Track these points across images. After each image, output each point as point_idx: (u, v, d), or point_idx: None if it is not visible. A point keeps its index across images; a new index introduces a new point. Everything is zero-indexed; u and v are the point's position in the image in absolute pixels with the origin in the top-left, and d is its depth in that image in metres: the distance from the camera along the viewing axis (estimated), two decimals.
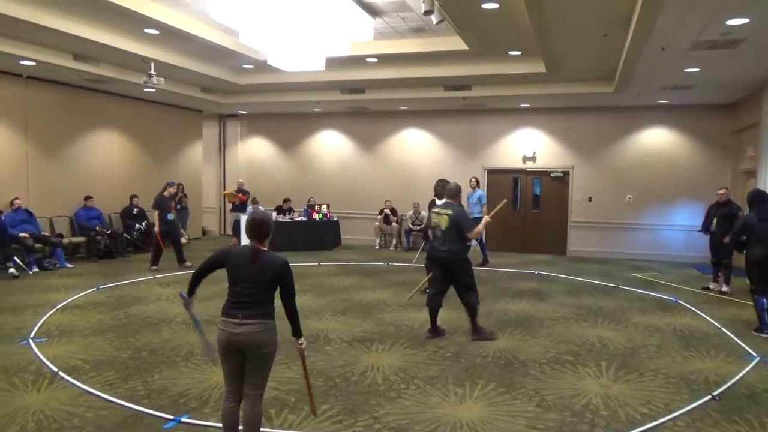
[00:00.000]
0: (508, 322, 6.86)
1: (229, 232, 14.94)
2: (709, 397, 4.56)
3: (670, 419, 4.16)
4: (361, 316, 7.13)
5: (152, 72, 9.57)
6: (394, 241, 14.08)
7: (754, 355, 5.68)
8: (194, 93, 12.68)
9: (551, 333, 6.46)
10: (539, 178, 13.71)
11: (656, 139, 12.81)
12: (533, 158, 13.65)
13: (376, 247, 13.95)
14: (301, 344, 3.44)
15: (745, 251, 6.73)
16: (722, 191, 9.04)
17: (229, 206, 15.21)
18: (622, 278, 10.14)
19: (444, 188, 6.47)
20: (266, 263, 3.26)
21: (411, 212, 13.75)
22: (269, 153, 16.11)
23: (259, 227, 3.32)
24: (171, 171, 14.19)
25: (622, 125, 12.96)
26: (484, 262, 11.29)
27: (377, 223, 14.08)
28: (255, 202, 13.51)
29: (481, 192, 11.57)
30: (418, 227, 13.71)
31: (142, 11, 7.47)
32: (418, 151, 14.57)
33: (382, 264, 11.46)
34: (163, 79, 9.81)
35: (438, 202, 6.61)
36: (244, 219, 12.00)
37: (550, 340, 6.19)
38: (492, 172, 13.92)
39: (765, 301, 6.53)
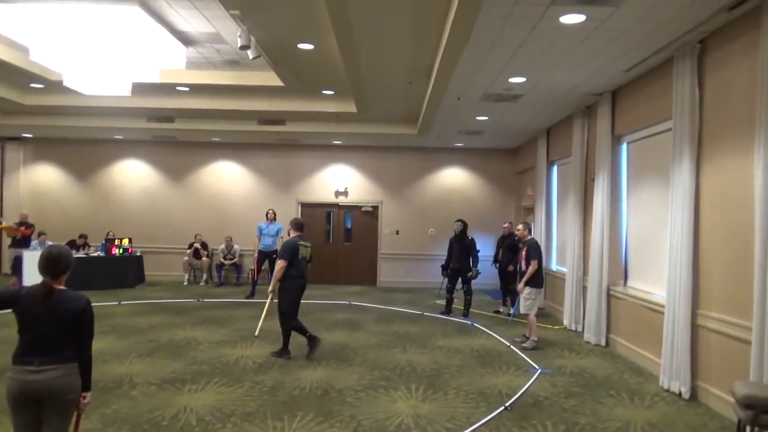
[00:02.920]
0: (324, 353, 6.94)
1: (7, 270, 13.04)
2: (503, 408, 5.12)
3: (472, 431, 4.58)
4: (170, 356, 6.70)
5: None
6: (205, 276, 13.45)
7: (537, 367, 6.50)
8: None
9: (365, 360, 6.71)
10: (351, 212, 14.27)
11: (454, 178, 14.18)
12: (345, 193, 14.19)
13: (185, 283, 13.24)
14: (85, 400, 3.10)
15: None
16: (506, 225, 10.29)
17: (7, 241, 13.29)
18: (427, 306, 10.91)
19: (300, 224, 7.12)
20: (63, 302, 2.97)
21: (223, 246, 13.35)
22: (60, 182, 14.49)
23: (55, 263, 3.01)
24: None
25: (425, 164, 14.13)
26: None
27: (186, 258, 13.39)
28: (42, 234, 12.02)
29: (279, 225, 11.42)
30: (230, 261, 13.34)
31: None
32: (231, 183, 14.26)
33: (192, 300, 10.90)
34: None
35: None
36: (27, 255, 10.66)
37: (364, 367, 6.43)
38: (306, 206, 14.15)
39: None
